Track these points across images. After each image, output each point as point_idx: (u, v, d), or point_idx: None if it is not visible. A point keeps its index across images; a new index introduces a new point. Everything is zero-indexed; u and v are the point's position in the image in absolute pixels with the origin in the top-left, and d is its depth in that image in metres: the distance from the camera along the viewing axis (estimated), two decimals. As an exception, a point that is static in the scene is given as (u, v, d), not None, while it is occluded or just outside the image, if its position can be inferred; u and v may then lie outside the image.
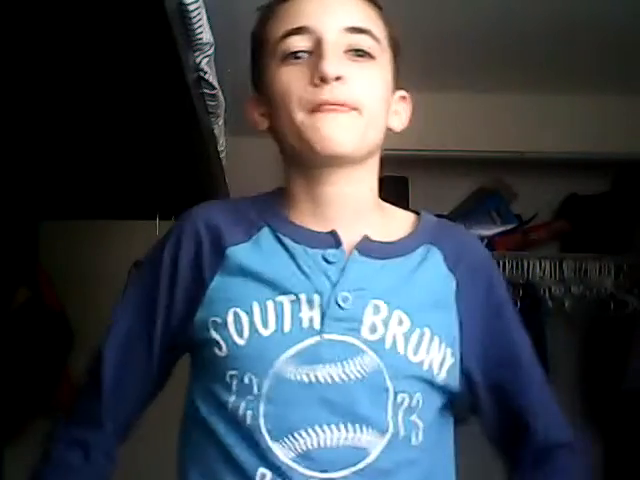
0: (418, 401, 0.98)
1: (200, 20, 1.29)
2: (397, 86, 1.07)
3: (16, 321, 3.08)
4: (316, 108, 0.95)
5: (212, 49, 1.43)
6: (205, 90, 1.57)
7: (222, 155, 2.15)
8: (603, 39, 2.56)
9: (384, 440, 0.95)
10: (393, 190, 3.21)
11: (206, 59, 1.44)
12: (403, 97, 1.08)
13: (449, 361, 1.00)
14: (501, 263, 3.08)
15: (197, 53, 1.40)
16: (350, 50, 0.98)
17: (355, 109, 0.97)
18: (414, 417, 0.98)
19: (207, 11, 1.32)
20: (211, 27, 1.40)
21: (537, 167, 3.21)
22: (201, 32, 1.33)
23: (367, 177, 1.04)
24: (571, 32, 2.50)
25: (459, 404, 1.07)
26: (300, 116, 0.96)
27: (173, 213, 2.59)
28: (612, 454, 3.19)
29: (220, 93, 1.67)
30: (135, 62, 1.31)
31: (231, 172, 2.48)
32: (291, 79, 0.97)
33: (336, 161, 0.99)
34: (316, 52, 0.96)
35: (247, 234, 1.02)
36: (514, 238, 3.18)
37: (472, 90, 3.06)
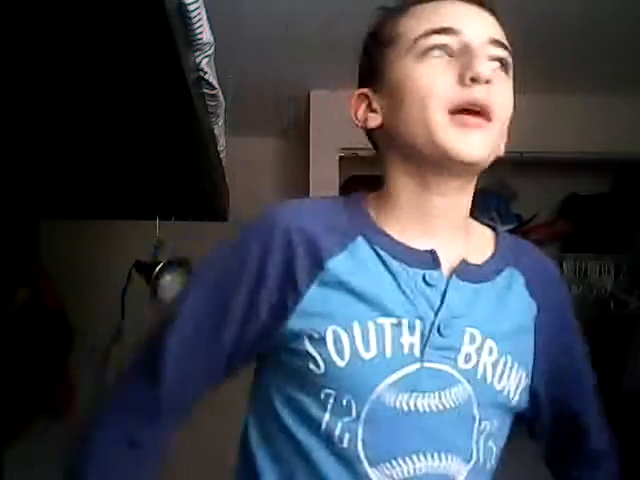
0: (496, 426, 1.00)
1: (200, 20, 1.29)
2: None
3: (16, 321, 3.08)
4: (459, 109, 0.92)
5: (212, 49, 1.43)
6: (205, 90, 1.57)
7: (222, 155, 2.15)
8: (603, 39, 2.56)
9: (468, 467, 0.96)
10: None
11: (206, 59, 1.44)
12: None
13: (523, 384, 1.02)
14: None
15: (197, 53, 1.40)
16: (492, 60, 0.95)
17: (492, 119, 0.94)
18: (490, 442, 1.00)
19: (207, 11, 1.33)
20: (211, 27, 1.40)
21: (537, 167, 3.21)
22: (201, 32, 1.33)
23: (471, 190, 1.01)
24: (571, 32, 2.50)
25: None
26: (439, 116, 0.92)
27: (173, 213, 2.60)
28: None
29: (220, 93, 1.67)
30: (135, 62, 1.31)
31: (231, 172, 2.48)
32: (435, 75, 0.93)
33: (464, 169, 0.96)
34: (464, 53, 0.93)
35: (342, 243, 0.97)
36: (514, 238, 3.18)
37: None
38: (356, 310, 0.94)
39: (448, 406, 0.94)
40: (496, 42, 0.96)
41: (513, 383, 1.00)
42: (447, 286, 0.97)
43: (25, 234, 3.20)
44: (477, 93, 0.92)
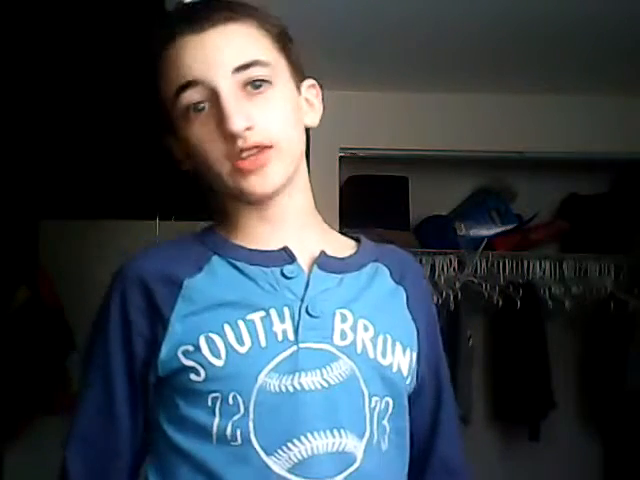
0: (387, 405, 1.01)
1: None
2: (305, 74, 1.06)
3: (16, 321, 3.08)
4: (237, 157, 0.96)
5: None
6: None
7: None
8: (602, 39, 2.56)
9: (363, 443, 0.97)
10: (393, 190, 3.21)
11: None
12: (312, 85, 1.08)
13: (412, 364, 1.04)
14: (501, 263, 3.08)
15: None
16: (246, 84, 0.97)
17: (271, 146, 0.97)
18: (385, 422, 1.01)
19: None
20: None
21: (537, 167, 3.21)
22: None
23: (301, 184, 1.05)
24: (570, 32, 2.50)
25: None
26: (224, 169, 0.98)
27: (173, 213, 2.61)
28: (612, 454, 3.19)
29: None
30: (136, 62, 1.31)
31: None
32: (203, 137, 0.97)
33: (269, 196, 1.00)
34: (215, 104, 0.96)
35: (198, 266, 1.01)
36: (514, 238, 3.18)
37: (472, 90, 3.06)
38: (224, 314, 0.97)
39: (333, 382, 0.96)
40: (242, 67, 0.96)
41: (402, 360, 1.02)
42: (309, 276, 1.00)
43: (25, 234, 3.20)
44: (241, 144, 0.95)
